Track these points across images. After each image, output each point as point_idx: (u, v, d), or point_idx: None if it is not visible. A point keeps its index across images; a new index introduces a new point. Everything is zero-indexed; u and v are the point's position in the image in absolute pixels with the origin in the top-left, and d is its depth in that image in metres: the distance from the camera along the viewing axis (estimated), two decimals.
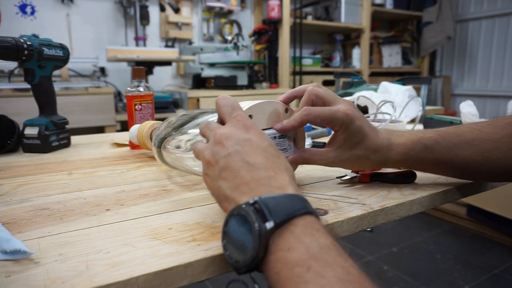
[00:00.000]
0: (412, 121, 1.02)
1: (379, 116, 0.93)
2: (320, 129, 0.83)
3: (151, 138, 0.65)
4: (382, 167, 0.51)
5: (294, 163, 0.48)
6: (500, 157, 0.45)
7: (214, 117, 0.51)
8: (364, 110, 0.99)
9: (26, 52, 0.70)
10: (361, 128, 0.44)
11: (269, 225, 0.27)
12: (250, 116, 0.44)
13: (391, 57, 3.35)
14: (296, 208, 0.29)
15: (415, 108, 1.04)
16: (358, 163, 0.46)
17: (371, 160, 0.45)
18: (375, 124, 0.81)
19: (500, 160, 0.45)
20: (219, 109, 0.40)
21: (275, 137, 0.46)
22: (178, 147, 0.53)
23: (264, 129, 0.45)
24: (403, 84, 1.18)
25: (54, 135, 0.76)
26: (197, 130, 0.52)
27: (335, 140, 0.46)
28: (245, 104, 0.44)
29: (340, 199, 0.45)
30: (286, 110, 0.48)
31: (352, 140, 0.44)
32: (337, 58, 3.13)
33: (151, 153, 0.73)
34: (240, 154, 0.34)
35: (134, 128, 0.71)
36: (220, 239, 0.31)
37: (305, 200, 0.30)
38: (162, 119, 0.69)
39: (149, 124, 0.67)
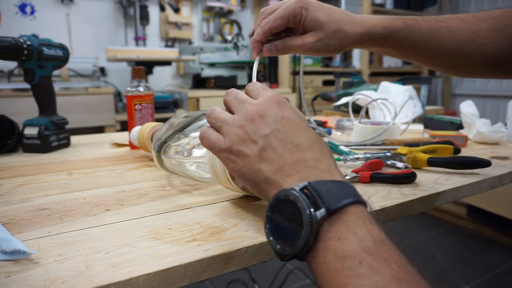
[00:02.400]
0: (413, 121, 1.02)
1: (374, 119, 0.93)
2: (320, 130, 0.83)
3: (152, 140, 0.65)
4: (362, 44, 0.48)
5: (276, 51, 0.47)
6: (474, 49, 0.45)
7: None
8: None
9: (25, 52, 0.70)
10: (321, 6, 0.45)
11: (321, 213, 0.26)
12: None
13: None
14: (347, 196, 0.27)
15: (412, 109, 1.04)
16: (337, 39, 0.46)
17: (350, 33, 0.45)
18: (375, 126, 0.81)
19: (473, 52, 0.46)
20: (247, 91, 0.38)
21: None
22: (178, 152, 0.52)
23: None
24: (403, 84, 1.18)
25: (54, 135, 0.76)
26: (198, 133, 0.51)
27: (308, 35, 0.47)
28: None
29: None
30: None
31: (319, 21, 0.45)
32: (337, 58, 3.12)
33: (151, 154, 0.73)
34: (281, 133, 0.32)
35: (135, 130, 0.70)
36: (219, 240, 0.30)
37: (355, 189, 0.29)
38: (162, 119, 0.69)
39: (150, 126, 0.66)
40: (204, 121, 0.52)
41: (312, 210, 0.26)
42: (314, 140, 0.33)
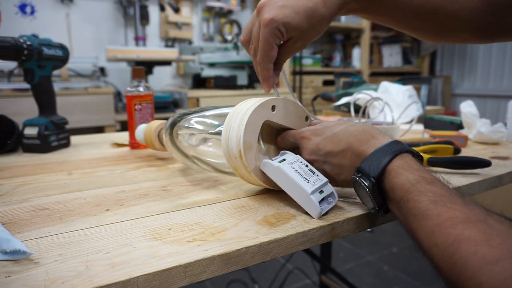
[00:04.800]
0: (411, 121, 1.02)
1: (375, 119, 0.93)
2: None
3: (159, 138, 0.65)
4: (340, 13, 0.47)
5: (278, 74, 0.48)
6: (451, 12, 0.45)
7: (222, 110, 0.51)
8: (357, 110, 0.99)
9: (25, 52, 0.70)
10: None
11: (369, 182, 0.37)
12: (273, 107, 0.44)
13: (391, 57, 3.35)
14: (383, 159, 0.37)
15: (414, 109, 1.04)
16: (319, 25, 0.44)
17: (328, 12, 0.44)
18: (375, 126, 0.81)
19: (450, 16, 0.45)
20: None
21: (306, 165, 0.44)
22: (190, 127, 0.54)
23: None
24: (403, 84, 1.18)
25: (54, 135, 0.76)
26: (210, 120, 0.53)
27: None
28: (264, 98, 0.44)
29: (340, 199, 0.45)
30: (306, 118, 0.49)
31: (298, 26, 0.44)
32: (337, 58, 3.13)
33: (151, 153, 0.73)
34: (340, 124, 0.44)
35: (141, 127, 0.70)
36: (219, 240, 0.31)
37: (398, 143, 0.39)
38: (162, 119, 0.69)
39: (157, 122, 0.67)
40: (212, 110, 0.53)
41: (366, 184, 0.37)
42: (363, 127, 0.43)
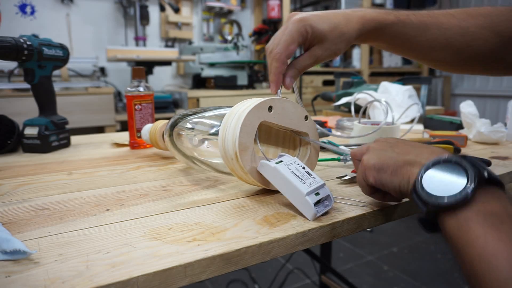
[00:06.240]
0: (411, 121, 1.02)
1: (374, 119, 0.93)
2: (320, 129, 0.82)
3: (163, 137, 0.66)
4: (359, 40, 0.50)
5: (294, 80, 0.48)
6: (463, 44, 0.46)
7: (222, 111, 0.51)
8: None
9: (26, 52, 0.70)
10: (322, 23, 0.46)
11: (486, 174, 0.29)
12: (270, 108, 0.44)
13: (391, 57, 3.35)
14: (494, 174, 0.30)
15: (414, 109, 1.04)
16: (341, 43, 0.47)
17: (350, 33, 0.46)
18: (375, 126, 0.81)
19: (462, 48, 0.46)
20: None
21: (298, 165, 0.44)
22: (190, 128, 0.54)
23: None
24: (403, 84, 1.18)
25: (54, 135, 0.76)
26: (210, 121, 0.53)
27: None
28: (264, 98, 0.44)
29: (340, 199, 0.45)
30: (306, 118, 0.48)
31: (323, 32, 0.46)
32: (337, 58, 3.12)
33: (151, 153, 0.74)
34: (399, 141, 0.39)
35: (147, 127, 0.72)
36: (219, 240, 0.31)
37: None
38: (162, 119, 0.69)
39: (162, 122, 0.68)
40: (212, 111, 0.53)
41: (477, 172, 0.29)
42: (425, 145, 0.38)
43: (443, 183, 0.30)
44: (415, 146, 0.37)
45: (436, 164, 0.32)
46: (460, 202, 0.28)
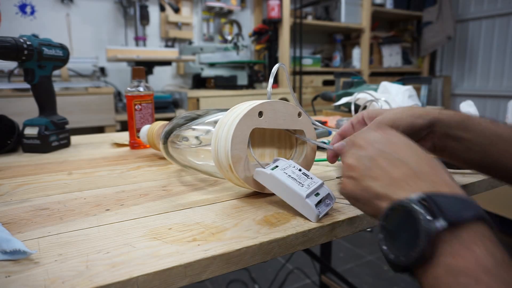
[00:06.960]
0: None
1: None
2: (320, 129, 0.83)
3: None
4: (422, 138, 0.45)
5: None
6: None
7: (218, 116, 0.51)
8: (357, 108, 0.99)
9: (26, 52, 0.70)
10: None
11: (441, 225, 0.25)
12: (261, 113, 0.43)
13: (391, 57, 3.35)
14: (470, 211, 0.26)
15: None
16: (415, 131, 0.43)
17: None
18: None
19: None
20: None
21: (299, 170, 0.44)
22: (184, 139, 0.53)
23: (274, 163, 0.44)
24: (403, 84, 1.18)
25: (54, 135, 0.76)
26: (205, 127, 0.52)
27: None
28: (253, 102, 0.44)
29: (341, 199, 0.45)
30: (299, 115, 0.48)
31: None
32: (337, 58, 3.13)
33: (151, 153, 0.73)
34: (386, 152, 0.33)
35: (145, 128, 0.71)
36: (219, 240, 0.31)
37: (478, 205, 0.27)
38: (162, 119, 0.69)
39: (160, 123, 0.68)
40: (212, 116, 0.52)
41: (430, 219, 0.25)
42: (423, 156, 0.32)
43: (402, 239, 0.27)
44: (395, 164, 0.32)
45: (389, 212, 0.28)
46: (418, 261, 0.25)
